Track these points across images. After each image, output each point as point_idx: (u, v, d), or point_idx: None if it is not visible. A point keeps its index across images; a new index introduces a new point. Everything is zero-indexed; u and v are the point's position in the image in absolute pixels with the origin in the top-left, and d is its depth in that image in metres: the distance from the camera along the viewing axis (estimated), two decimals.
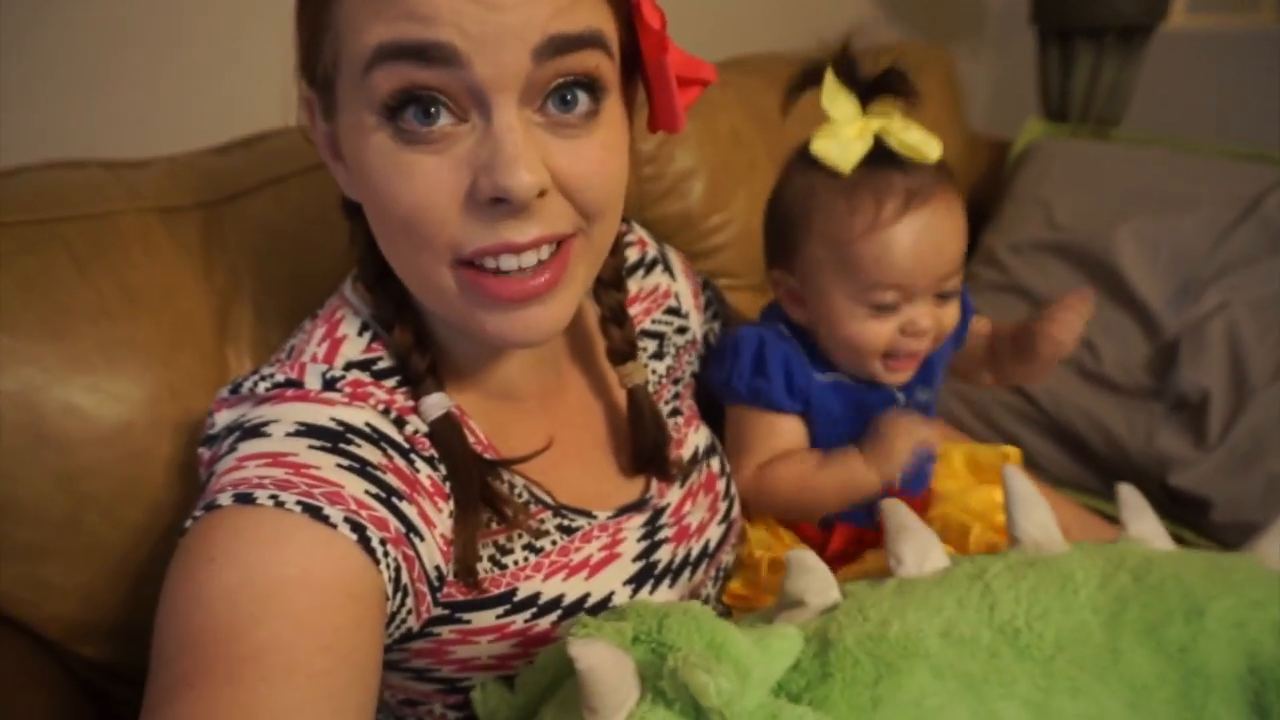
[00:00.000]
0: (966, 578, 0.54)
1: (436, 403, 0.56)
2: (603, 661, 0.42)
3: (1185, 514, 1.06)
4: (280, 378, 0.54)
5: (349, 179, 0.53)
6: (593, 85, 0.49)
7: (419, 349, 0.57)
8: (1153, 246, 1.14)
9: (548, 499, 0.61)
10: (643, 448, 0.66)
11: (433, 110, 0.46)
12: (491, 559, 0.58)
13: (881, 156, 0.66)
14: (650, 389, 0.70)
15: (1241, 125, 1.44)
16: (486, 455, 0.59)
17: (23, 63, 0.90)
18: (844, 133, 0.66)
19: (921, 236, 0.66)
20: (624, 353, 0.65)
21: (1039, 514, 0.57)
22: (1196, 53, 1.62)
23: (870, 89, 0.68)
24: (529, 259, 0.49)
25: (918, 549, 0.57)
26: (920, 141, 0.66)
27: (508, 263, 0.49)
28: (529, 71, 0.46)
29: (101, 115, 0.94)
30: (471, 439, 0.58)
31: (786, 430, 0.74)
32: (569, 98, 0.48)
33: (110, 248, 0.69)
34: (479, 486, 0.56)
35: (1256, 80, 1.54)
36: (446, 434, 0.56)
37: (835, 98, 0.67)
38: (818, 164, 0.67)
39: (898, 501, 0.61)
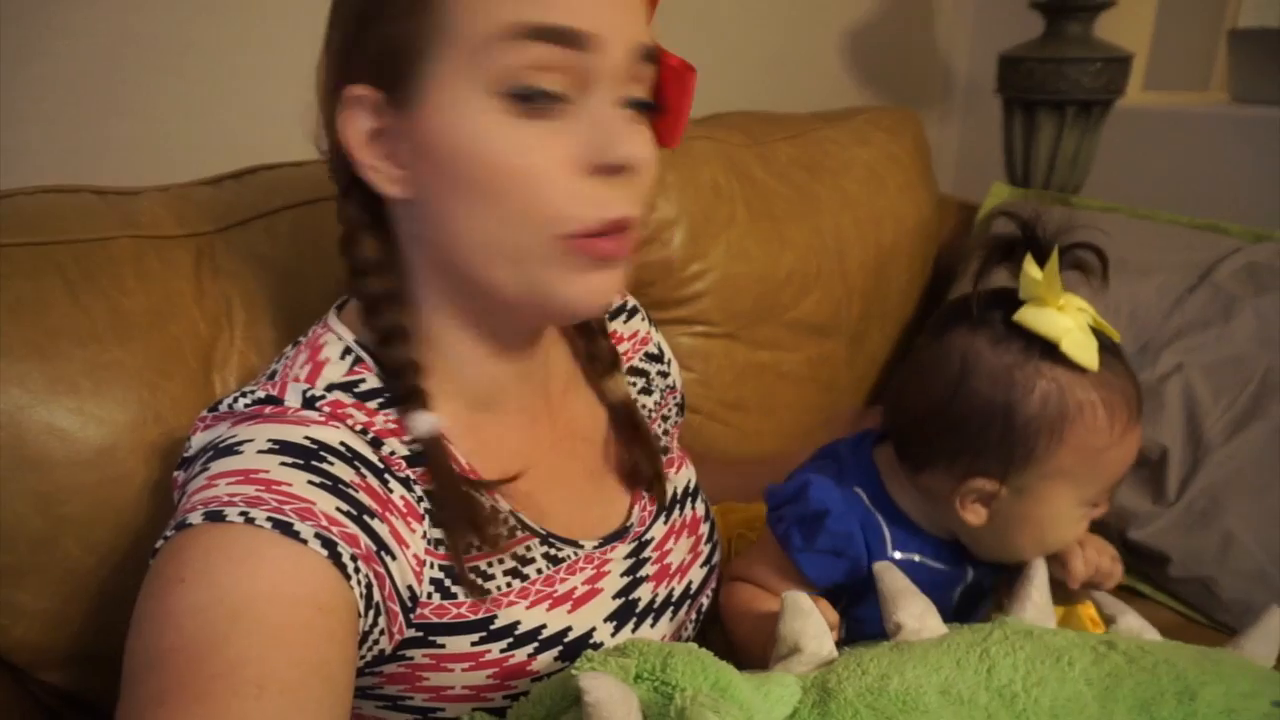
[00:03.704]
0: (965, 642, 0.55)
1: (425, 421, 0.56)
2: (610, 696, 0.42)
3: (1144, 568, 1.08)
4: (260, 394, 0.55)
5: (395, 174, 0.54)
6: (647, 89, 0.55)
7: (414, 366, 0.57)
8: (1112, 308, 1.18)
9: (536, 526, 0.61)
10: (628, 461, 0.68)
11: (552, 86, 0.50)
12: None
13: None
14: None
15: (1192, 197, 1.50)
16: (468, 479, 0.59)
17: (20, 87, 0.90)
18: (1063, 321, 0.60)
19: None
20: (608, 361, 0.67)
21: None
22: (1152, 128, 1.70)
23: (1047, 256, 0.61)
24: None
25: (915, 614, 0.58)
26: (1108, 323, 0.62)
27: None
28: (627, 66, 0.52)
29: (96, 143, 0.95)
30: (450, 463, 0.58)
31: (787, 584, 0.66)
32: (636, 95, 0.54)
33: (102, 272, 0.69)
34: (463, 508, 0.56)
35: (1207, 155, 1.62)
36: (433, 453, 0.56)
37: (1034, 275, 0.60)
38: (1055, 361, 0.60)
39: (889, 565, 0.61)
